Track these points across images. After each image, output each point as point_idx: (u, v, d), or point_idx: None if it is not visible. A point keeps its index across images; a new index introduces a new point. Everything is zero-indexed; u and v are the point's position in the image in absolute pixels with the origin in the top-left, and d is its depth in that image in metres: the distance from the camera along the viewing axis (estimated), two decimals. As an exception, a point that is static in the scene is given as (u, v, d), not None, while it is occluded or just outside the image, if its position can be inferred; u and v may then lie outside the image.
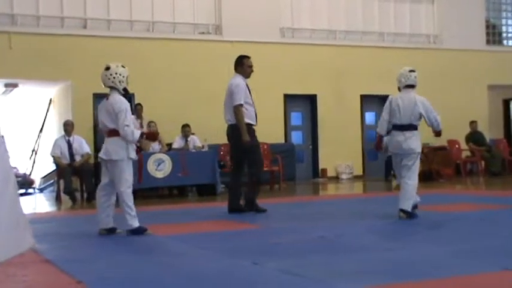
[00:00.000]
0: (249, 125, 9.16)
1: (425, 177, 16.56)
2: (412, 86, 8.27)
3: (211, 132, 15.49)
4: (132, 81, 16.45)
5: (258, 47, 17.05)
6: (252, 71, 9.60)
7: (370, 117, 19.59)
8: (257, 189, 9.40)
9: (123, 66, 7.25)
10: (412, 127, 8.22)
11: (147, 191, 13.56)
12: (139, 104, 15.18)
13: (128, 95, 7.30)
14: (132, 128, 7.01)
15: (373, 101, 19.37)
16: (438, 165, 17.37)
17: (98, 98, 15.84)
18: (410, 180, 7.96)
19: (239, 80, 9.38)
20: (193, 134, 14.65)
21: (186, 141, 14.29)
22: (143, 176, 12.45)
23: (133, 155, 7.10)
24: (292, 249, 5.84)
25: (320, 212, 9.39)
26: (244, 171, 9.36)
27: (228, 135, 9.51)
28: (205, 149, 14.32)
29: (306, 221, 8.24)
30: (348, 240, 6.27)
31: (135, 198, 7.22)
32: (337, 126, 18.27)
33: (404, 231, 7.01)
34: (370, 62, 18.79)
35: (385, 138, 8.50)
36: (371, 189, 15.17)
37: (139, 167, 7.69)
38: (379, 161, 18.24)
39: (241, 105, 9.10)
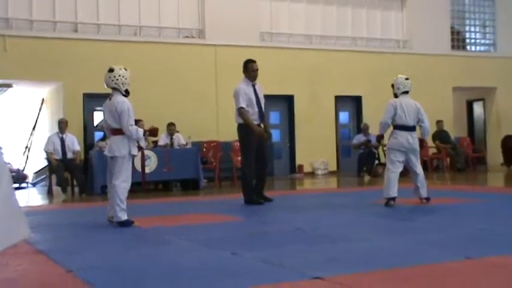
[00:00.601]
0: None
1: (395, 173, 16.65)
2: (407, 92, 9.05)
3: (195, 130, 15.50)
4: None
5: (239, 50, 17.03)
6: (257, 74, 9.67)
7: (343, 116, 19.64)
8: (246, 183, 9.51)
9: (125, 69, 7.27)
10: (415, 128, 8.93)
11: (133, 186, 13.47)
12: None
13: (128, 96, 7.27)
14: (136, 127, 7.05)
15: (346, 102, 19.43)
16: (407, 162, 17.43)
17: (88, 97, 15.84)
18: (422, 170, 8.84)
19: (242, 84, 9.55)
20: (177, 131, 14.62)
21: (171, 139, 14.27)
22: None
23: (134, 151, 7.14)
24: (271, 240, 5.84)
25: (297, 206, 9.40)
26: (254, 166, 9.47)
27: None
28: (189, 146, 14.29)
29: (284, 214, 8.24)
30: (322, 232, 6.28)
31: (132, 191, 7.24)
32: (312, 124, 18.29)
33: (375, 223, 7.04)
34: (343, 65, 18.83)
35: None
36: (345, 184, 15.20)
37: (142, 164, 7.71)
38: (352, 158, 18.29)
39: (241, 107, 9.30)
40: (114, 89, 7.18)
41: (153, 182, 13.73)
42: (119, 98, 7.10)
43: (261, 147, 9.50)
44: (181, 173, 13.40)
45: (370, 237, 5.74)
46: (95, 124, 16.16)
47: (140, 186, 13.71)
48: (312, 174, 18.19)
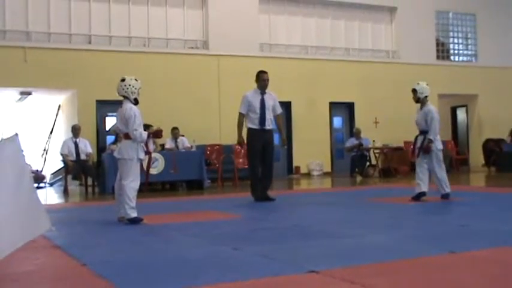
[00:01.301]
0: (252, 129, 9.57)
1: (385, 174, 16.65)
2: (427, 97, 9.25)
3: (199, 134, 15.52)
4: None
5: (239, 60, 17.09)
6: (265, 84, 9.80)
7: (337, 121, 19.64)
8: (251, 183, 9.75)
9: (136, 80, 7.28)
10: None
11: (140, 186, 13.51)
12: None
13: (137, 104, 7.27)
14: (140, 131, 7.03)
15: (340, 108, 19.43)
16: (396, 163, 17.44)
17: (100, 104, 15.85)
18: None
19: (249, 92, 9.79)
20: (182, 135, 14.62)
21: (176, 142, 14.28)
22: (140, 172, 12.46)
23: (142, 155, 7.14)
24: (269, 236, 5.84)
25: (294, 204, 9.40)
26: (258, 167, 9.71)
27: None
28: (194, 149, 14.29)
29: (282, 211, 8.25)
30: (318, 228, 6.27)
31: (140, 191, 7.25)
32: (309, 129, 18.30)
33: (366, 220, 7.03)
34: (337, 73, 18.84)
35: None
36: (338, 184, 15.19)
37: (147, 166, 7.75)
38: (345, 160, 18.30)
39: (239, 113, 9.61)
40: (124, 97, 7.21)
41: (161, 182, 13.75)
42: (127, 106, 7.13)
43: (265, 151, 9.60)
44: (187, 174, 13.40)
45: (361, 233, 5.74)
46: (107, 129, 16.17)
47: (146, 187, 13.77)
48: (308, 175, 18.19)
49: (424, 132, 8.99)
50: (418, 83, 9.15)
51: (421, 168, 9.00)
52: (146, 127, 7.36)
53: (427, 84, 9.12)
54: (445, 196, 8.83)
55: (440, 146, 9.03)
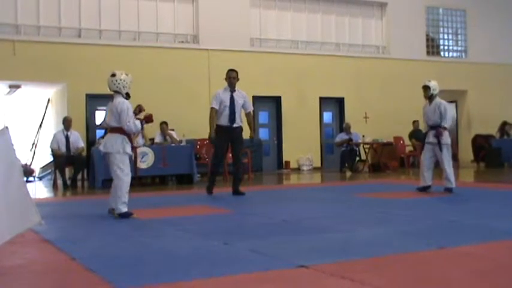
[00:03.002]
0: (220, 126, 9.84)
1: (375, 169, 16.70)
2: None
3: (189, 128, 15.50)
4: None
5: (230, 54, 17.06)
6: (232, 81, 10.01)
7: (327, 116, 19.64)
8: (209, 178, 10.10)
9: (126, 74, 7.29)
10: None
11: (132, 179, 13.50)
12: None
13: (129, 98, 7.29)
14: (133, 121, 7.07)
15: (330, 103, 19.44)
16: (385, 158, 17.49)
17: (90, 98, 15.80)
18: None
19: (220, 89, 10.12)
20: (172, 129, 14.59)
21: (165, 137, 14.25)
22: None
23: (128, 150, 7.14)
24: (259, 231, 5.84)
25: (284, 199, 9.42)
26: (223, 161, 10.49)
27: None
28: (183, 143, 14.27)
29: (272, 206, 8.25)
30: (307, 224, 6.29)
31: (131, 185, 7.25)
32: (299, 123, 18.31)
33: (356, 215, 7.05)
34: (327, 68, 18.85)
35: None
36: (328, 179, 15.22)
37: (134, 160, 7.75)
38: (335, 155, 18.33)
39: (212, 108, 9.90)
40: (115, 91, 7.20)
41: (151, 176, 13.74)
42: (119, 99, 7.13)
43: (233, 147, 9.93)
44: (177, 169, 13.39)
45: (351, 228, 5.76)
46: (97, 123, 16.11)
47: (136, 181, 13.75)
48: (298, 169, 18.20)
49: (435, 127, 9.30)
50: (429, 80, 9.55)
51: (426, 161, 9.48)
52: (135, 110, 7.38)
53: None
54: (449, 190, 9.21)
55: (449, 141, 9.40)
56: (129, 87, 7.25)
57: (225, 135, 9.81)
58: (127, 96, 7.24)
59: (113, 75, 7.23)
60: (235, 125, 9.84)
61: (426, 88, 9.41)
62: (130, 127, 7.03)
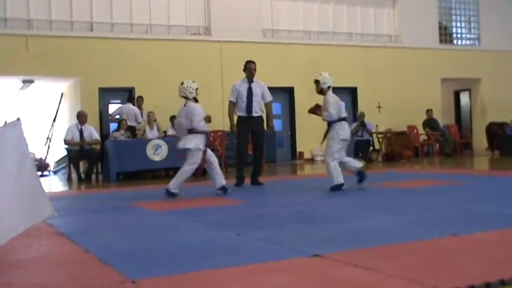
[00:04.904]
0: (240, 117, 10.09)
1: (389, 158, 16.65)
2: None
3: (203, 120, 15.46)
4: (133, 77, 16.56)
5: (242, 46, 17.03)
6: (252, 73, 10.14)
7: (340, 106, 19.57)
8: (238, 168, 10.25)
9: (193, 82, 8.60)
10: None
11: (146, 172, 13.56)
12: (140, 97, 15.20)
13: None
14: (202, 124, 8.39)
15: (342, 93, 19.26)
16: (400, 148, 17.45)
17: (103, 91, 15.85)
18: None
19: (238, 81, 10.21)
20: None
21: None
22: (143, 159, 12.53)
23: (201, 146, 8.37)
24: (273, 221, 5.82)
25: (297, 189, 9.40)
26: (246, 152, 10.41)
27: None
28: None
29: (286, 197, 8.25)
30: (321, 213, 6.28)
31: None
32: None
33: (370, 204, 7.03)
34: (340, 58, 18.76)
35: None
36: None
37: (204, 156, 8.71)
38: (349, 145, 18.23)
39: (230, 101, 10.16)
40: (184, 97, 8.45)
41: (164, 169, 13.76)
42: (191, 104, 8.41)
43: (254, 137, 10.12)
44: (191, 160, 13.38)
45: (365, 217, 5.73)
46: (110, 115, 16.09)
47: (153, 173, 13.78)
48: (312, 160, 18.18)
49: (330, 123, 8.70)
50: (320, 74, 8.87)
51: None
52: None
53: (329, 75, 8.89)
54: (333, 187, 8.46)
55: (343, 136, 8.66)
56: (195, 93, 8.46)
57: (245, 125, 10.01)
58: (194, 100, 8.43)
59: (182, 83, 8.48)
60: (254, 115, 9.97)
61: (316, 82, 8.85)
62: (200, 126, 8.31)
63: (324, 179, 11.60)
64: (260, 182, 10.01)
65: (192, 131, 8.33)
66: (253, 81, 10.10)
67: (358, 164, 8.89)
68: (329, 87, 8.81)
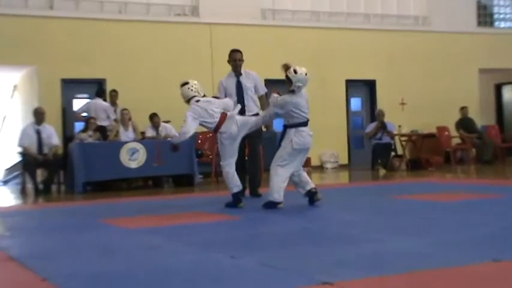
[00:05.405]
0: None
1: (414, 166, 16.65)
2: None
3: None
4: (104, 66, 16.45)
5: (237, 29, 17.06)
6: (238, 64, 10.21)
7: (355, 103, 19.64)
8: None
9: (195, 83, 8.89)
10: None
11: (119, 182, 13.54)
12: (114, 91, 15.10)
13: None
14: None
15: (358, 86, 19.43)
16: (427, 153, 17.46)
17: (66, 83, 15.80)
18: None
19: (224, 77, 10.33)
20: (168, 121, 14.59)
21: (157, 131, 14.24)
22: (115, 166, 12.52)
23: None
24: (274, 241, 5.83)
25: (303, 203, 9.38)
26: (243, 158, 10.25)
27: None
28: (182, 137, 14.25)
29: (289, 212, 8.23)
30: (332, 232, 6.27)
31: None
32: (320, 112, 18.21)
33: (391, 222, 7.02)
34: (355, 45, 18.81)
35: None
36: (357, 178, 15.20)
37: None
38: (365, 150, 18.30)
39: None
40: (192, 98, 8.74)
41: (142, 178, 13.76)
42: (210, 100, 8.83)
43: (250, 140, 10.05)
44: (173, 168, 13.40)
45: (384, 238, 5.72)
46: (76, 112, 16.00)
47: (129, 183, 13.76)
48: (321, 168, 18.21)
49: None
50: (295, 70, 8.85)
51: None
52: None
53: (306, 74, 8.83)
54: (268, 204, 8.45)
55: (298, 145, 8.69)
56: (198, 91, 8.78)
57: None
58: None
59: (186, 83, 8.78)
60: (248, 114, 9.94)
61: (287, 79, 8.90)
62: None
63: (336, 190, 11.63)
64: (259, 193, 10.04)
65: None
66: (241, 74, 10.19)
67: (310, 185, 8.72)
68: (299, 86, 8.74)
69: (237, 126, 8.69)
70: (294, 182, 8.60)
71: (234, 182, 8.67)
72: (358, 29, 19.17)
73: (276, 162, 8.54)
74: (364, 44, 18.95)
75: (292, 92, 8.71)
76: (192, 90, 8.77)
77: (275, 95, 8.89)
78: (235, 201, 8.59)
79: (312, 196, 8.49)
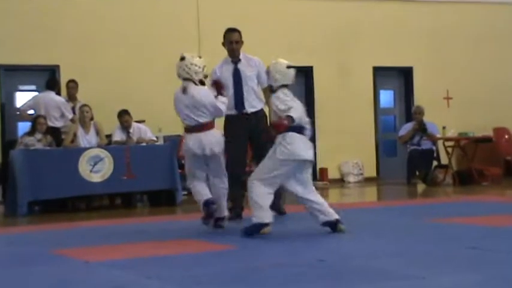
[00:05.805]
0: (228, 117, 10.07)
1: (463, 179, 16.63)
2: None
3: (169, 118, 15.42)
4: (57, 50, 16.44)
5: (231, 1, 17.07)
6: (234, 48, 10.27)
7: (386, 97, 19.65)
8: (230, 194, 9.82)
9: (199, 57, 9.07)
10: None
11: (78, 200, 13.53)
12: (72, 81, 15.02)
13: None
14: (223, 98, 9.01)
15: (390, 76, 19.47)
16: (481, 163, 17.45)
17: (7, 72, 15.92)
18: None
19: (219, 63, 10.41)
20: (141, 121, 14.55)
21: (128, 133, 14.09)
22: (73, 179, 12.52)
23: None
24: (279, 277, 5.83)
25: (318, 227, 9.41)
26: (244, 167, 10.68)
27: None
28: (160, 142, 14.28)
29: (299, 239, 8.26)
30: (355, 265, 6.28)
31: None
32: (341, 110, 18.31)
33: (434, 252, 7.03)
34: (385, 22, 18.83)
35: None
36: (388, 195, 15.22)
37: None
38: (399, 158, 18.31)
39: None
40: (186, 79, 8.89)
41: (108, 195, 13.74)
42: (198, 89, 8.84)
43: (254, 143, 10.22)
44: (149, 182, 13.42)
45: (424, 273, 5.74)
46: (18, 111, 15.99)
47: (90, 202, 13.75)
48: (341, 181, 18.22)
49: None
50: (275, 62, 9.03)
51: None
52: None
53: (288, 67, 9.04)
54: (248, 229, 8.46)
55: (284, 155, 8.65)
56: (202, 73, 8.92)
57: (238, 128, 10.01)
58: (200, 83, 8.89)
59: (182, 58, 8.93)
60: (250, 110, 10.07)
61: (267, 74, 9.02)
62: (223, 107, 8.94)
63: (360, 211, 11.66)
64: (283, 210, 10.32)
65: (210, 125, 8.90)
66: (240, 60, 10.20)
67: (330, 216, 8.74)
68: (284, 85, 8.91)
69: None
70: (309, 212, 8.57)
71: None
72: (390, 1, 19.17)
73: (255, 175, 8.53)
74: (398, 21, 18.97)
75: (271, 90, 8.97)
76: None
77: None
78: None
79: (333, 227, 8.42)
